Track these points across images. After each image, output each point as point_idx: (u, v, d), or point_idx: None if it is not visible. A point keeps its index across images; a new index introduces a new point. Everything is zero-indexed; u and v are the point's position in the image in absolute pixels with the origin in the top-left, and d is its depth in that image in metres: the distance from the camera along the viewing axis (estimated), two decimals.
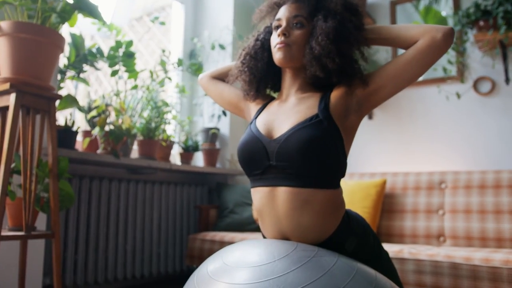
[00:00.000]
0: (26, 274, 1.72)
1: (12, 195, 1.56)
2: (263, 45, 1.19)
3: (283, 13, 1.12)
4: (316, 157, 0.98)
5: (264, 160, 1.04)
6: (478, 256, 1.78)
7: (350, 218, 1.09)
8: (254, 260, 0.93)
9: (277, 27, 1.12)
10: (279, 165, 1.02)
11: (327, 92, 1.09)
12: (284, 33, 1.08)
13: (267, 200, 1.04)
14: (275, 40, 1.11)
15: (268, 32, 1.21)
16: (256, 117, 1.16)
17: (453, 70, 2.73)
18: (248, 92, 1.21)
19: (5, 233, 1.55)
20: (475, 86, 2.69)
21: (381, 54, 3.02)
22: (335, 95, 1.06)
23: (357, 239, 1.06)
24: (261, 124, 1.11)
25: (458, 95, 2.64)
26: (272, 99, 1.22)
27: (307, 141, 0.97)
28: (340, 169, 1.04)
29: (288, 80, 1.15)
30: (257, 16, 1.24)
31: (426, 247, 2.10)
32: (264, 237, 1.15)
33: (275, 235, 1.06)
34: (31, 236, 1.59)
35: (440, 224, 2.34)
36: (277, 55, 1.10)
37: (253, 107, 1.24)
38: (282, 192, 1.01)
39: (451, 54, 2.70)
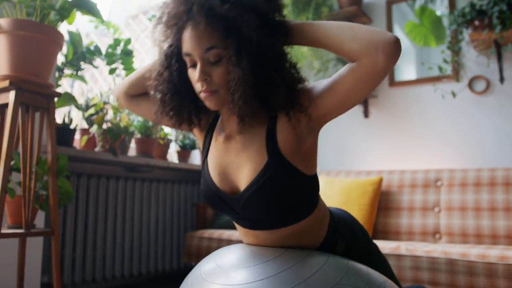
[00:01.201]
0: (25, 272, 1.72)
1: (12, 193, 1.56)
2: (181, 76, 0.95)
3: (191, 46, 0.88)
4: (282, 209, 0.93)
5: (231, 212, 1.00)
6: (474, 252, 1.81)
7: (337, 222, 1.06)
8: (247, 261, 0.94)
9: (190, 61, 0.91)
10: (248, 217, 0.98)
11: (272, 121, 0.94)
12: (204, 79, 0.88)
13: (247, 235, 1.03)
14: (197, 85, 0.91)
15: (179, 56, 0.95)
16: (206, 155, 1.05)
17: (448, 69, 2.76)
18: (180, 128, 1.05)
19: (4, 230, 1.55)
20: (470, 85, 2.71)
21: None
22: (281, 129, 0.92)
23: (346, 241, 1.06)
24: (214, 171, 1.01)
25: (454, 94, 2.66)
26: (216, 118, 1.06)
27: (268, 200, 0.91)
28: (312, 195, 0.98)
29: (225, 114, 0.98)
30: (153, 36, 0.98)
31: (423, 243, 2.12)
32: None
33: None
34: (31, 234, 1.59)
35: (436, 221, 2.36)
36: (206, 103, 0.92)
37: (197, 133, 1.10)
38: (260, 233, 0.99)
39: (446, 53, 2.73)
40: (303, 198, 0.95)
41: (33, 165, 1.61)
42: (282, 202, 0.92)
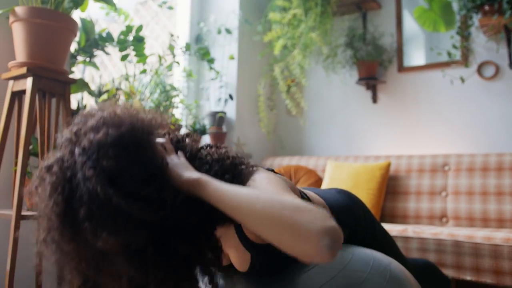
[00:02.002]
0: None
1: (30, 177, 1.62)
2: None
3: None
4: (289, 258, 0.94)
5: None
6: (480, 234, 1.84)
7: (337, 212, 1.08)
8: None
9: None
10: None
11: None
12: None
13: None
14: None
15: None
16: None
17: (457, 55, 2.75)
18: None
19: (24, 213, 1.61)
20: (479, 70, 2.71)
21: (386, 38, 3.04)
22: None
23: (349, 228, 1.07)
24: None
25: (462, 80, 2.66)
26: None
27: (274, 270, 0.96)
28: None
29: None
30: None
31: (430, 226, 2.16)
32: None
33: None
34: None
35: (443, 206, 2.39)
36: None
37: None
38: None
39: (456, 38, 2.72)
40: None
41: (50, 149, 1.66)
42: (286, 258, 0.89)
